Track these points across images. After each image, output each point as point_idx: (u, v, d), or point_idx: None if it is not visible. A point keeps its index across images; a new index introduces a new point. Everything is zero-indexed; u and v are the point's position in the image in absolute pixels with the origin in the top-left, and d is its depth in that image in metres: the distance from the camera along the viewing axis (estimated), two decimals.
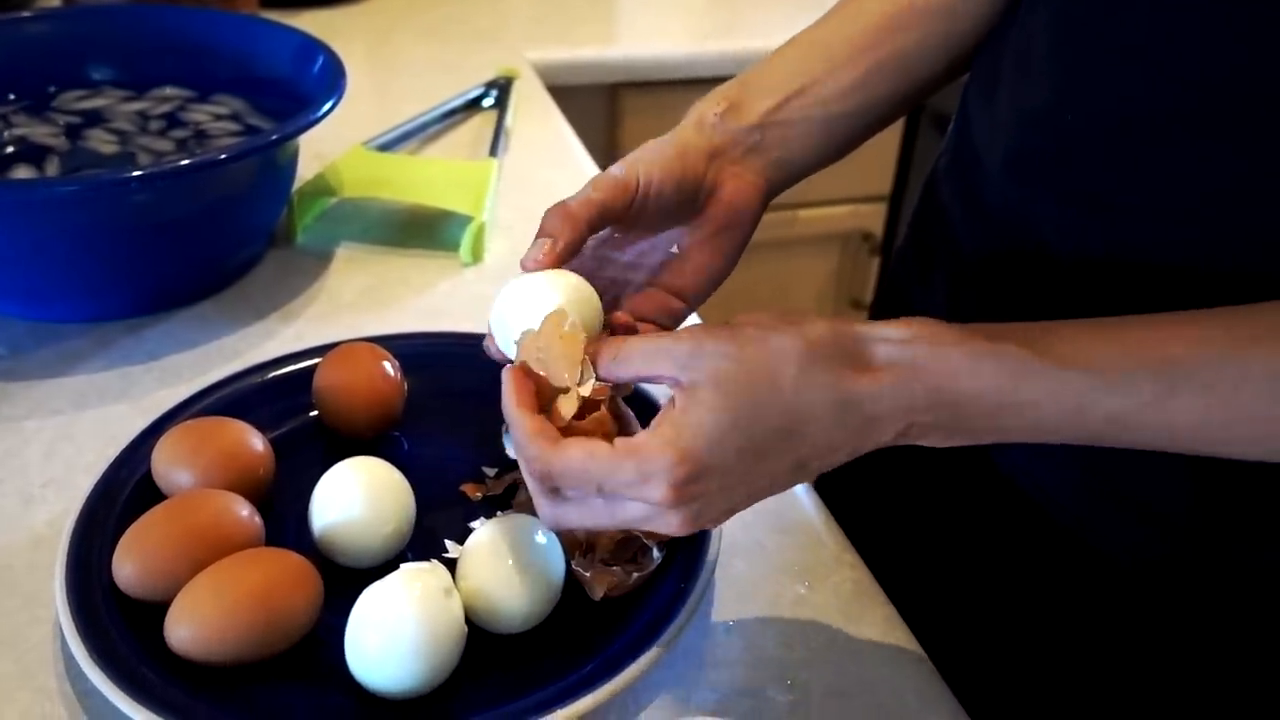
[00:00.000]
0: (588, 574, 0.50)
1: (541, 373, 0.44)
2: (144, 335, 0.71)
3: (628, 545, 0.52)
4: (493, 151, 0.95)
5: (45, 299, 0.71)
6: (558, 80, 1.21)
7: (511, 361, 0.46)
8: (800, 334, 0.40)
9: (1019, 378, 0.40)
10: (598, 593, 0.50)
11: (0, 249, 0.67)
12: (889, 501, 0.67)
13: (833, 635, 0.52)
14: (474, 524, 0.55)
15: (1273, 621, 0.50)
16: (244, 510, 0.50)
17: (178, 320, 0.72)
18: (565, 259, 0.46)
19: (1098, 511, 0.52)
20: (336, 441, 0.59)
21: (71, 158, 0.79)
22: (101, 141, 0.80)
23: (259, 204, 0.77)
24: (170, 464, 0.53)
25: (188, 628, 0.45)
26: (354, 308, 0.75)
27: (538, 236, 0.47)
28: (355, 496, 0.51)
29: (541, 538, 0.50)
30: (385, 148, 0.93)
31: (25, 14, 0.87)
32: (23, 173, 0.76)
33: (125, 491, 0.53)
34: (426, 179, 0.87)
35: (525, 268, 0.46)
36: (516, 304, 0.46)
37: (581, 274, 0.47)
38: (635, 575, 0.50)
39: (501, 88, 1.08)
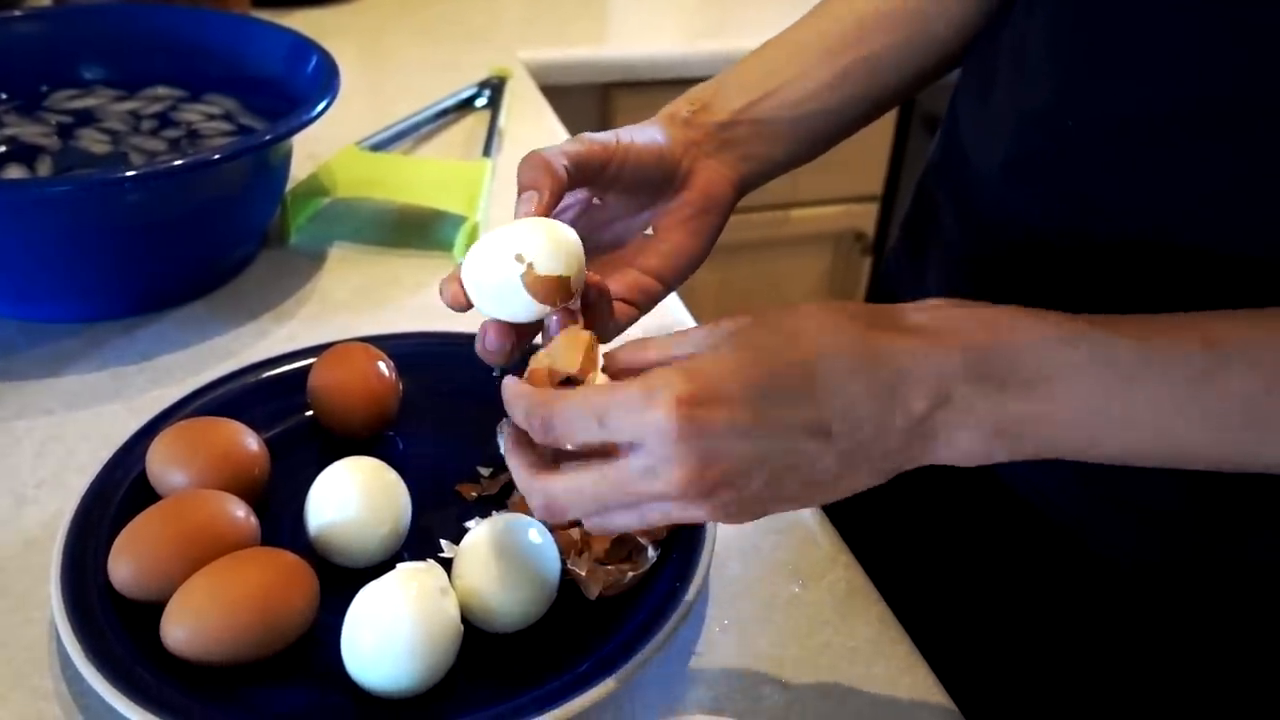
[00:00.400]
0: (583, 573, 0.50)
1: (549, 365, 0.43)
2: (136, 335, 0.70)
3: (623, 544, 0.52)
4: (486, 151, 0.95)
5: (37, 299, 0.71)
6: (550, 80, 1.21)
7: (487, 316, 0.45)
8: (824, 304, 0.39)
9: (1064, 340, 0.37)
10: (593, 592, 0.50)
11: None
12: (884, 502, 0.67)
13: (827, 635, 0.52)
14: (469, 524, 0.55)
15: (1271, 621, 0.50)
16: (239, 510, 0.50)
17: (170, 320, 0.72)
18: (551, 209, 0.45)
19: (1095, 513, 0.52)
20: (331, 441, 0.59)
21: (63, 157, 0.78)
22: (93, 141, 0.80)
23: (252, 204, 0.77)
24: (165, 464, 0.53)
25: (184, 628, 0.45)
26: (348, 308, 0.75)
27: (520, 191, 0.46)
28: (351, 496, 0.51)
29: (537, 537, 0.50)
30: (378, 148, 0.93)
31: (16, 13, 0.87)
32: (14, 173, 0.76)
33: (120, 492, 0.53)
34: (420, 179, 0.87)
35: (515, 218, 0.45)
36: (493, 249, 0.44)
37: None
38: (630, 574, 0.50)
39: (494, 87, 1.08)
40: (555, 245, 0.43)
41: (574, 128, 1.08)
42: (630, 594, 0.50)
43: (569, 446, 0.40)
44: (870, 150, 1.49)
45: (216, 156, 0.67)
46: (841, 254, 1.56)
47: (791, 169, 0.56)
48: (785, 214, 1.48)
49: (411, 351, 0.63)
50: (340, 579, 0.50)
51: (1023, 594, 0.57)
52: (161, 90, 0.86)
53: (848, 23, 0.56)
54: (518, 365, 0.45)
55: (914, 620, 0.54)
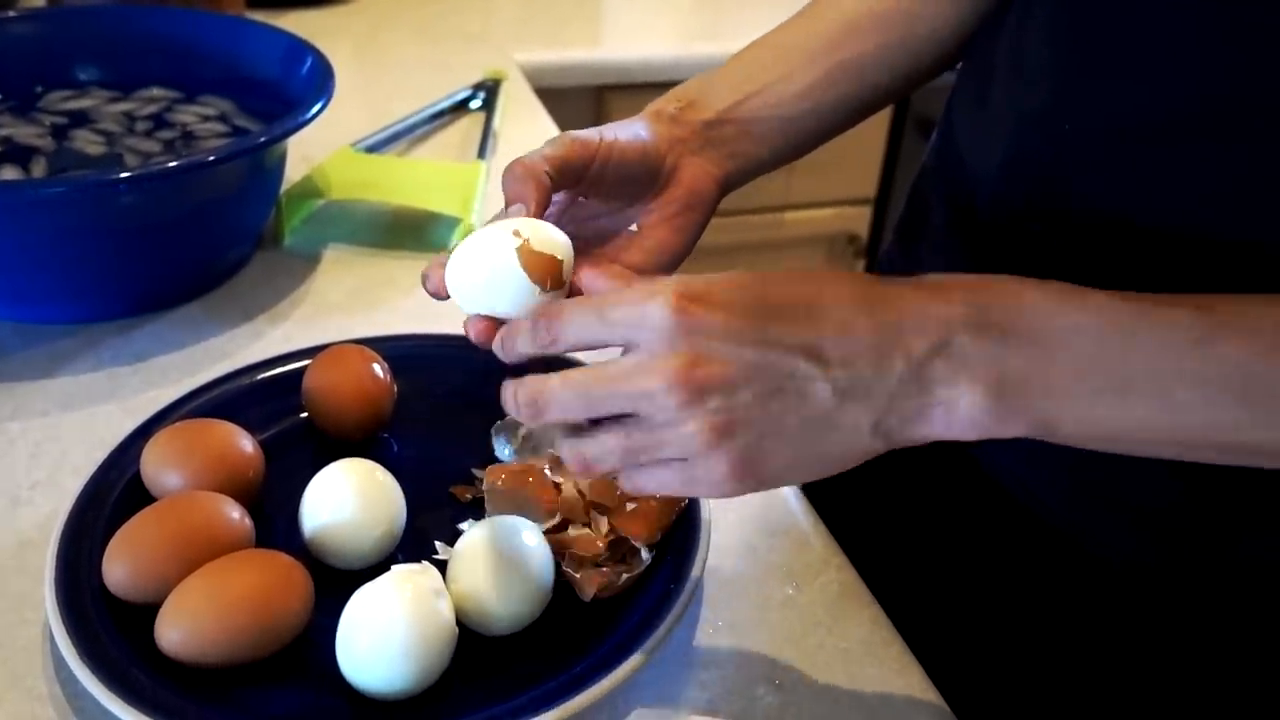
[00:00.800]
0: (577, 575, 0.50)
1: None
2: (131, 336, 0.70)
3: (618, 546, 0.52)
4: (481, 153, 0.95)
5: (31, 300, 0.71)
6: (545, 82, 1.21)
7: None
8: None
9: (1065, 300, 0.37)
10: (587, 594, 0.50)
11: None
12: (877, 504, 0.67)
13: (821, 636, 0.52)
14: (464, 525, 0.55)
15: (1265, 621, 0.51)
16: (234, 512, 0.50)
17: (165, 322, 0.72)
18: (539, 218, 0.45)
19: (1088, 514, 0.53)
20: (326, 443, 0.59)
21: (58, 159, 0.78)
22: (88, 142, 0.80)
23: (247, 206, 0.77)
24: (160, 466, 0.53)
25: (179, 630, 0.45)
26: (342, 309, 0.75)
27: (507, 203, 0.46)
28: (346, 498, 0.51)
29: (531, 539, 0.50)
30: (373, 149, 0.93)
31: (11, 14, 0.87)
32: (9, 174, 0.76)
33: (114, 493, 0.53)
34: (414, 181, 0.87)
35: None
36: (468, 252, 0.44)
37: None
38: (625, 576, 0.50)
39: (489, 89, 1.08)
40: (548, 231, 0.44)
41: (569, 129, 1.08)
42: (625, 596, 0.50)
43: (571, 348, 0.40)
44: (864, 153, 1.49)
45: (211, 158, 0.67)
46: (835, 256, 1.57)
47: (777, 168, 0.56)
48: (779, 216, 1.48)
49: (406, 353, 0.63)
50: (335, 581, 0.50)
51: (1016, 595, 0.58)
52: (156, 92, 0.86)
53: (836, 24, 0.57)
54: (515, 369, 0.45)
55: (907, 621, 0.54)
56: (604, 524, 0.52)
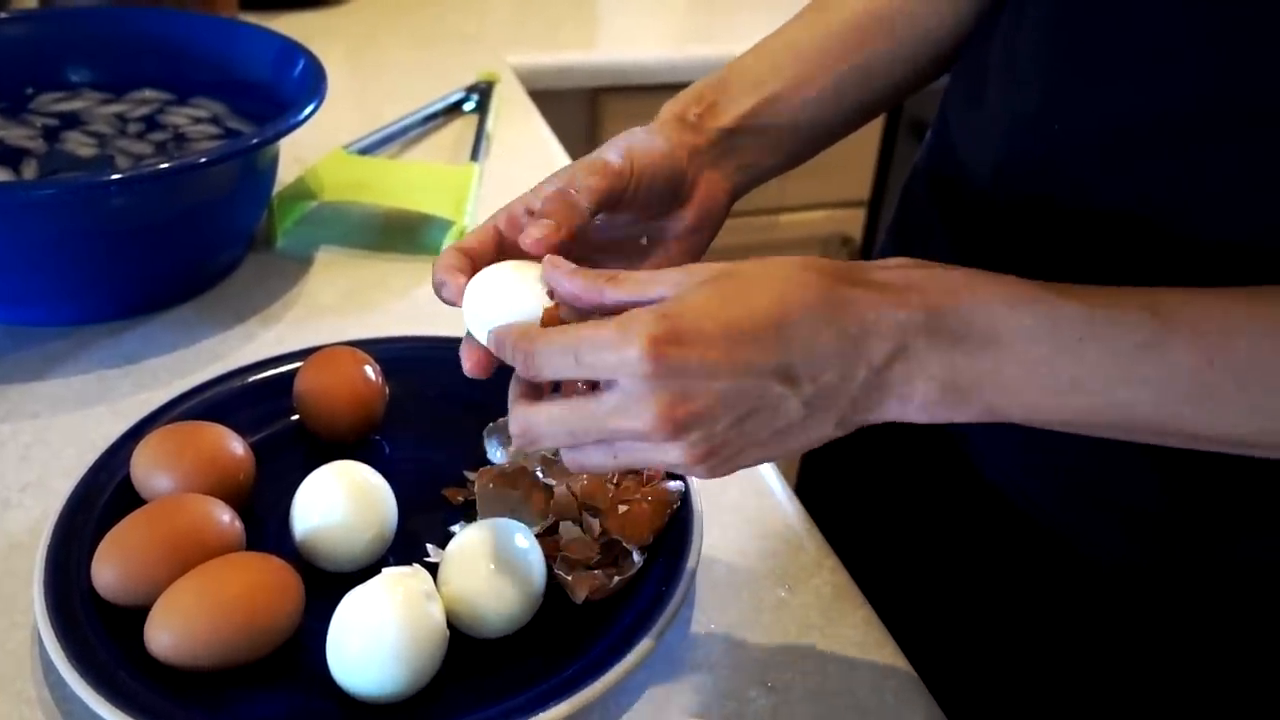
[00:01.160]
0: (569, 577, 0.50)
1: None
2: (122, 339, 0.70)
3: (610, 548, 0.52)
4: (474, 156, 0.95)
5: (22, 302, 0.70)
6: (538, 84, 1.21)
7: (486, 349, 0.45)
8: (795, 258, 0.41)
9: (1016, 303, 0.39)
10: (579, 596, 0.50)
11: None
12: (869, 506, 0.67)
13: (813, 638, 0.52)
14: (455, 528, 0.55)
15: (1255, 622, 0.51)
16: (225, 515, 0.50)
17: (156, 324, 0.72)
18: (563, 247, 0.45)
19: (1080, 515, 0.53)
20: (317, 446, 0.59)
21: (49, 160, 0.78)
22: (79, 144, 0.80)
23: (239, 208, 0.77)
24: (150, 468, 0.53)
25: (169, 633, 0.45)
26: (334, 311, 0.75)
27: (538, 217, 0.46)
28: (337, 501, 0.51)
29: (523, 542, 0.50)
30: (366, 151, 0.93)
31: (2, 15, 0.86)
32: (0, 176, 0.76)
33: (104, 496, 0.53)
34: (407, 183, 0.87)
35: (525, 245, 0.45)
36: (495, 291, 0.44)
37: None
38: (616, 579, 0.50)
39: (482, 92, 1.08)
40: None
41: (562, 132, 1.08)
42: (616, 598, 0.50)
43: (548, 380, 0.41)
44: (857, 155, 1.49)
45: (203, 160, 0.67)
46: (829, 258, 1.57)
47: (779, 175, 0.57)
48: (773, 219, 1.48)
49: (398, 355, 0.63)
50: (326, 584, 0.50)
51: (1008, 596, 0.58)
52: (148, 93, 0.86)
53: (848, 25, 0.56)
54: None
55: (899, 623, 0.54)
56: (596, 526, 0.52)
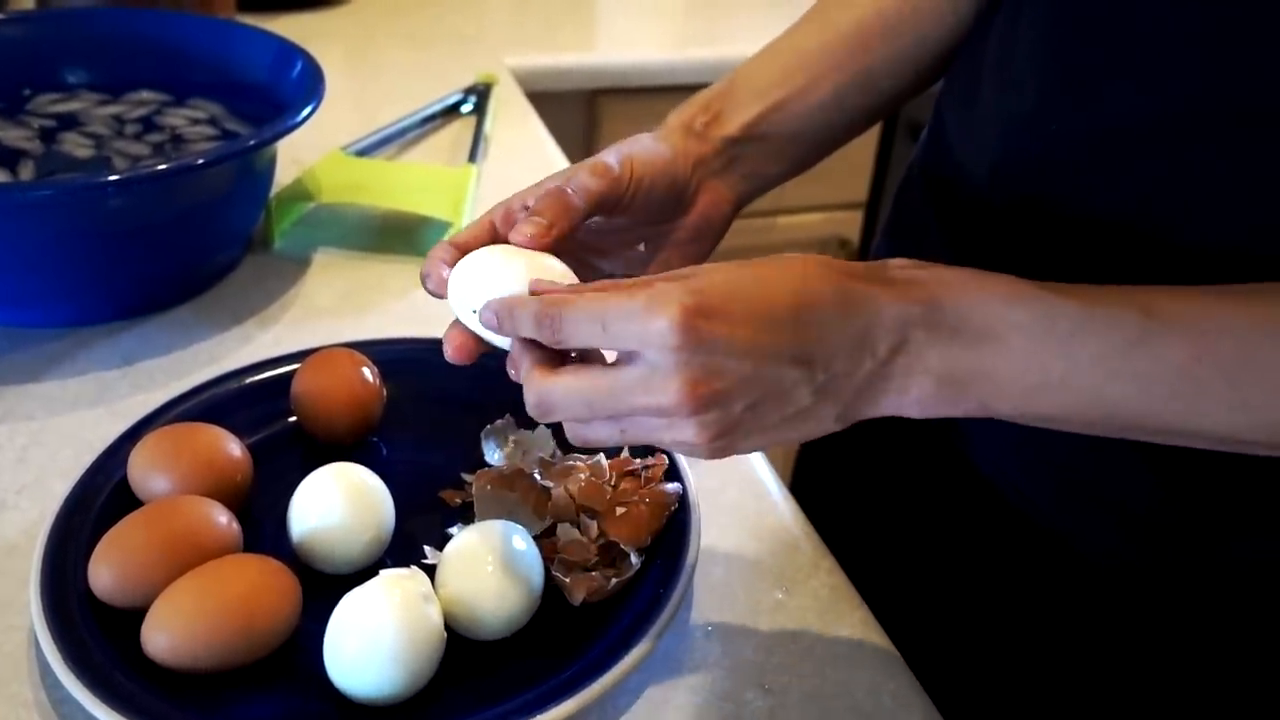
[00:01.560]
0: (567, 579, 0.50)
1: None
2: (119, 340, 0.70)
3: (607, 550, 0.52)
4: (471, 157, 0.95)
5: (19, 304, 0.70)
6: (537, 86, 1.21)
7: (472, 333, 0.45)
8: (807, 255, 0.41)
9: (1011, 300, 0.40)
10: (577, 598, 0.50)
11: None
12: (867, 508, 0.67)
13: (810, 640, 0.52)
14: (453, 530, 0.55)
15: (1251, 621, 0.51)
16: (222, 517, 0.50)
17: (153, 325, 0.72)
18: (555, 246, 0.46)
19: (1077, 515, 0.53)
20: (315, 447, 0.59)
21: (46, 161, 0.78)
22: (76, 145, 0.80)
23: (236, 209, 0.77)
24: (147, 470, 0.53)
25: (165, 635, 0.45)
26: (332, 313, 0.75)
27: (531, 214, 0.46)
28: (334, 503, 0.51)
29: (521, 543, 0.50)
30: (363, 153, 0.93)
31: None
32: None
33: (101, 497, 0.53)
34: (405, 184, 0.87)
35: (515, 241, 0.45)
36: (480, 273, 0.44)
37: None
38: (614, 580, 0.50)
39: (480, 93, 1.08)
40: (552, 263, 0.45)
41: (560, 134, 1.08)
42: (614, 600, 0.50)
43: (574, 349, 0.41)
44: (855, 158, 1.49)
45: (200, 161, 0.67)
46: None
47: (782, 183, 0.57)
48: (771, 221, 1.48)
49: (395, 357, 0.63)
50: (323, 585, 0.50)
51: (1005, 597, 0.58)
52: (146, 94, 0.86)
53: (851, 30, 0.57)
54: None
55: (896, 625, 0.54)
56: (593, 528, 0.52)
